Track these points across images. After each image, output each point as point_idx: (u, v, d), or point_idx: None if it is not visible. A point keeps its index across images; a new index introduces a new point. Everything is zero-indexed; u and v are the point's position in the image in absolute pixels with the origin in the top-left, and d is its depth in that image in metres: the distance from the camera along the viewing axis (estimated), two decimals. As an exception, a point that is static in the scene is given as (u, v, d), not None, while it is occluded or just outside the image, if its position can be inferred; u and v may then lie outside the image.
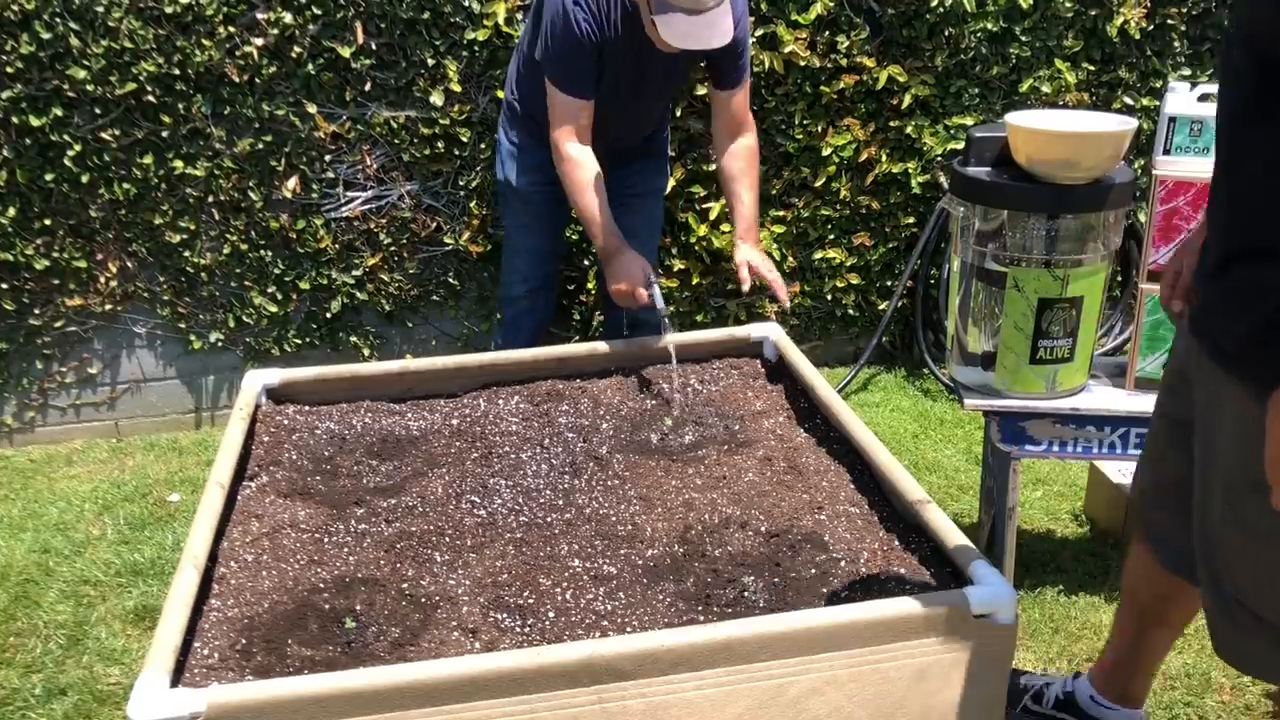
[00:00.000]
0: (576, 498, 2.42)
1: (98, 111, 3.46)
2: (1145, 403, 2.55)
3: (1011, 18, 3.88)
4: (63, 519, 3.39)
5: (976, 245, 2.48)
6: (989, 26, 3.84)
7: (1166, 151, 2.45)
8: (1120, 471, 3.10)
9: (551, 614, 1.99)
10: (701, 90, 3.76)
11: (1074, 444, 2.56)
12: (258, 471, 2.54)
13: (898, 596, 2.00)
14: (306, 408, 2.83)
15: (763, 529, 2.25)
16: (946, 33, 3.84)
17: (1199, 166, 2.44)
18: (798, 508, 2.33)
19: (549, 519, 2.34)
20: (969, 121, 3.97)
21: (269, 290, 3.81)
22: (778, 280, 2.93)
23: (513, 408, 2.86)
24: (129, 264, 3.71)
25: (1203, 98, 2.42)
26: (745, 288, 2.94)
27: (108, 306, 3.75)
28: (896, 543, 2.21)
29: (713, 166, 3.88)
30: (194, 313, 3.83)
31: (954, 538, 2.02)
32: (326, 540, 2.28)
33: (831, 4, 3.71)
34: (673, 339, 2.84)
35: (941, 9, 3.77)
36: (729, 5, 2.72)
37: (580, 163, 2.89)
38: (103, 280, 3.70)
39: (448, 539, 2.28)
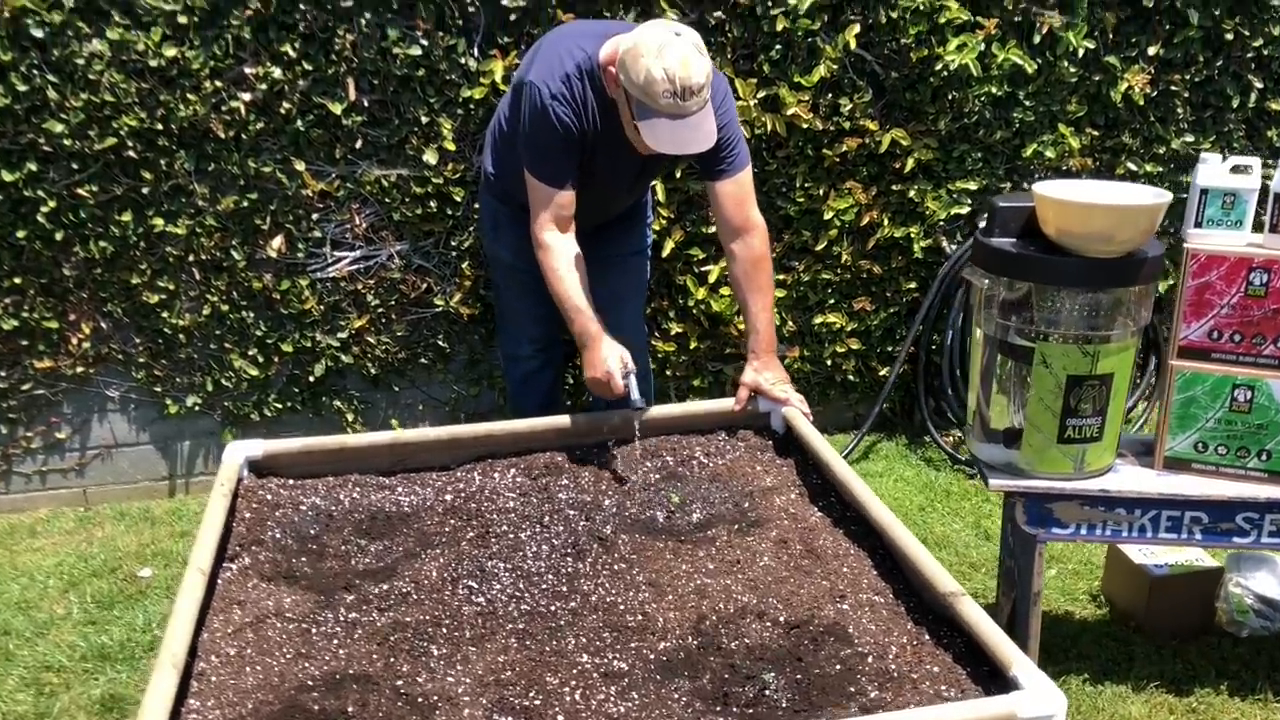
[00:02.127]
0: (581, 583, 2.27)
1: (75, 166, 3.32)
2: (1177, 484, 2.44)
3: (1015, 82, 3.82)
4: (24, 596, 3.18)
5: (1000, 318, 2.36)
6: (993, 91, 3.78)
7: (1198, 224, 2.35)
8: (1143, 552, 2.97)
9: (561, 717, 1.83)
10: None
11: (1102, 527, 2.44)
12: (239, 552, 2.38)
13: (937, 701, 1.86)
14: (291, 481, 2.67)
15: (782, 619, 2.11)
16: (950, 97, 3.78)
17: (1232, 240, 2.35)
18: (818, 596, 2.18)
19: (553, 607, 2.19)
20: (972, 186, 3.90)
21: (250, 353, 3.65)
22: (791, 399, 2.82)
23: (510, 481, 2.71)
24: (103, 325, 3.54)
25: (1235, 169, 2.34)
26: (737, 408, 2.84)
27: (79, 369, 3.57)
28: (927, 636, 2.06)
29: (711, 229, 3.78)
30: (170, 375, 3.66)
31: (994, 636, 1.88)
32: (315, 631, 2.11)
33: (835, 66, 3.63)
34: (638, 427, 2.76)
35: (945, 73, 3.70)
36: (710, 107, 2.64)
37: (558, 251, 2.81)
38: (74, 341, 3.53)
39: (445, 630, 2.11)
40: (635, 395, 2.70)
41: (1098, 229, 2.17)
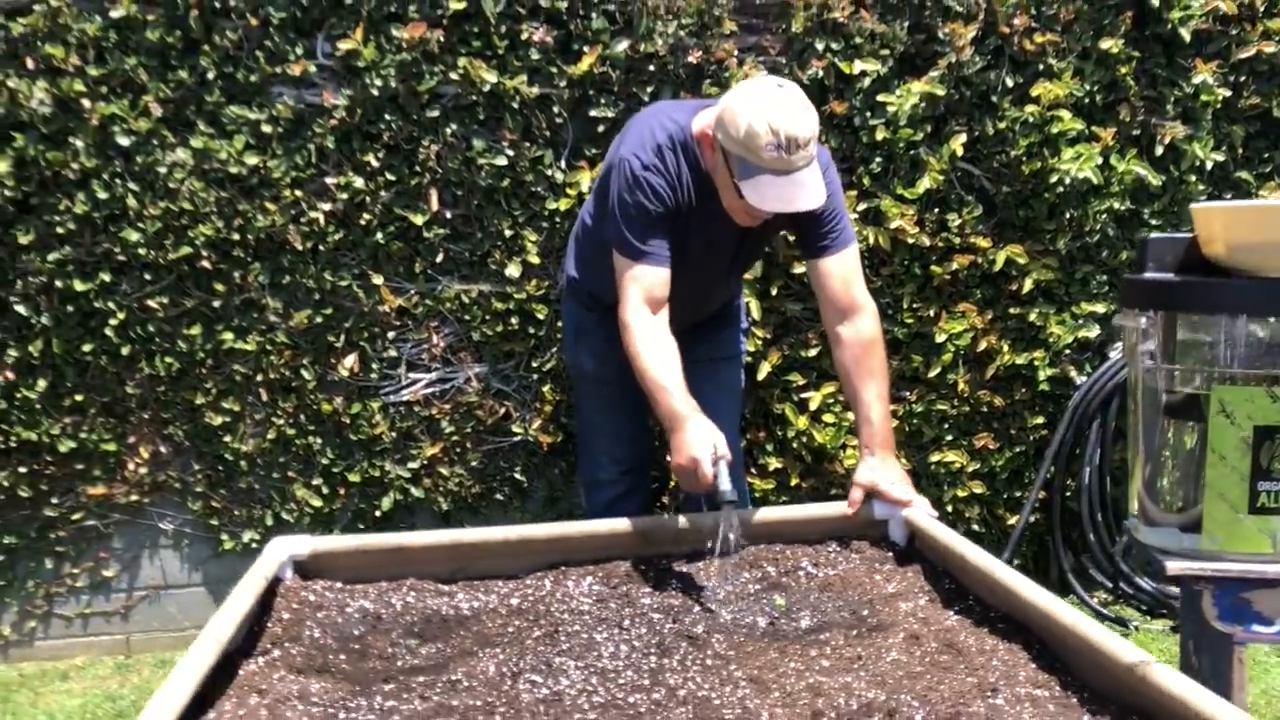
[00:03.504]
0: (666, 677, 1.86)
1: (147, 278, 3.21)
2: None
3: (1139, 199, 3.54)
4: (42, 736, 2.84)
5: (1164, 364, 1.99)
6: (1115, 206, 3.50)
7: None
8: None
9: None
10: (799, 269, 3.42)
11: (1323, 625, 1.95)
12: (269, 648, 2.03)
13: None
14: (339, 584, 2.34)
15: (918, 718, 1.66)
16: (1068, 215, 3.51)
17: None
18: (963, 691, 1.73)
19: (632, 699, 1.78)
20: (1100, 309, 3.56)
21: (314, 482, 3.39)
22: (914, 500, 2.46)
23: (585, 589, 2.33)
24: (162, 449, 3.34)
25: None
26: (851, 511, 2.48)
27: (133, 497, 3.34)
28: (1110, 724, 1.60)
29: (812, 352, 3.48)
30: (229, 507, 3.40)
31: (1201, 699, 1.42)
32: (343, 716, 1.73)
33: (940, 178, 3.42)
34: (734, 530, 2.35)
35: (1062, 187, 3.45)
36: (819, 164, 2.43)
37: (646, 329, 2.51)
38: (131, 466, 3.32)
39: (500, 717, 1.71)
40: (726, 485, 2.31)
41: (1278, 236, 1.83)
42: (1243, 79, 3.53)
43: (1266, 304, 1.88)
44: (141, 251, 3.18)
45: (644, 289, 2.52)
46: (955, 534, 2.27)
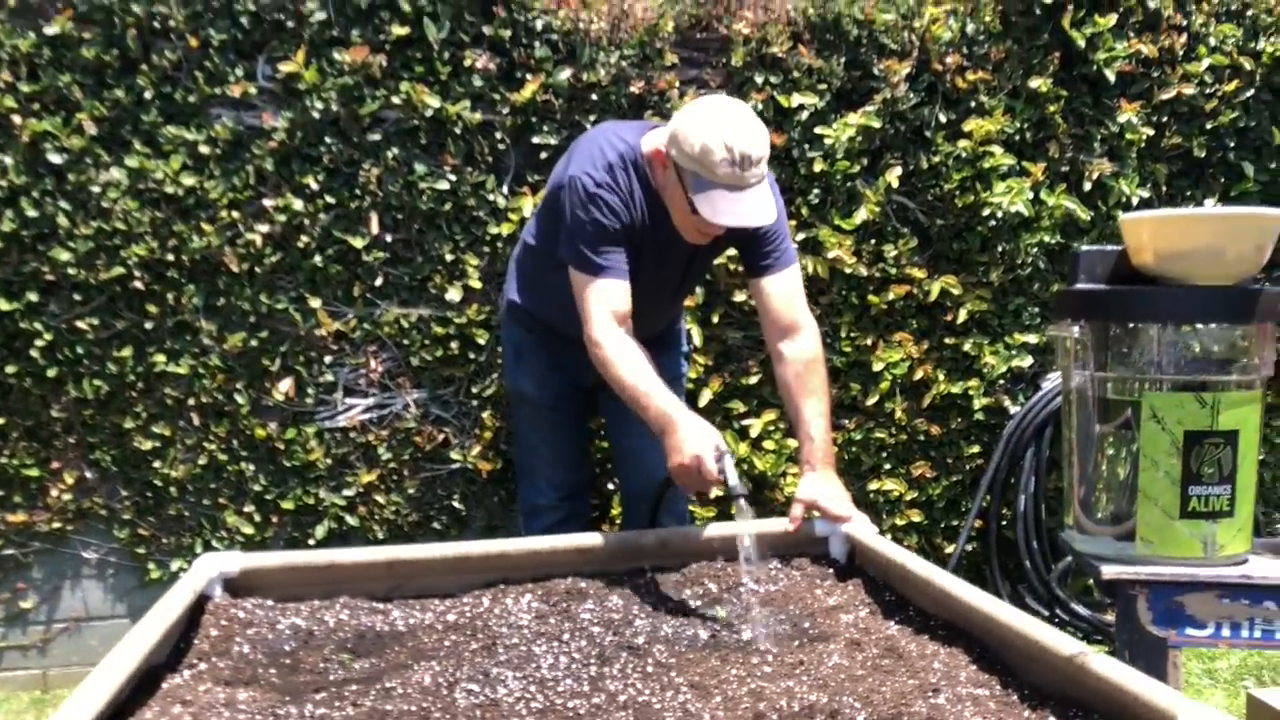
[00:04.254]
0: (607, 684, 1.83)
1: (77, 298, 3.14)
2: (1340, 575, 2.00)
3: (1069, 233, 3.64)
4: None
5: (1096, 372, 2.03)
6: (1046, 239, 3.59)
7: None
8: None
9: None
10: (740, 297, 3.45)
11: (1249, 626, 1.97)
12: (196, 662, 1.96)
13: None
14: (269, 602, 2.28)
15: (860, 718, 1.65)
16: (1001, 248, 3.59)
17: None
18: (904, 693, 1.73)
19: (571, 704, 1.75)
20: (1032, 340, 3.63)
21: (246, 509, 3.31)
22: (855, 516, 2.47)
23: (524, 605, 2.29)
24: (88, 474, 3.24)
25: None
26: (793, 528, 2.46)
27: (56, 524, 3.23)
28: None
29: (753, 379, 3.50)
30: (156, 535, 3.30)
31: (1141, 686, 1.43)
32: (269, 721, 1.67)
33: (877, 210, 3.48)
34: (750, 527, 2.30)
35: (994, 221, 3.53)
36: (770, 183, 2.47)
37: (617, 341, 2.48)
38: (55, 493, 3.21)
39: (433, 721, 1.67)
40: (734, 480, 2.26)
41: (1203, 242, 1.89)
42: (1165, 119, 3.66)
43: (1194, 311, 1.93)
44: (71, 271, 3.11)
45: (608, 304, 2.50)
46: (896, 546, 2.28)
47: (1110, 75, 3.55)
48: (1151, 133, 3.63)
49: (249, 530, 3.31)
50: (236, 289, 3.22)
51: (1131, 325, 1.97)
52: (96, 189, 3.10)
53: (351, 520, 3.38)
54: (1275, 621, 1.99)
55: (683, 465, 2.32)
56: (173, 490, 3.28)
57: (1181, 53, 3.61)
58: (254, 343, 3.25)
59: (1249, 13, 3.64)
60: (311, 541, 3.36)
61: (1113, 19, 3.51)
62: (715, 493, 3.09)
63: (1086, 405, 2.08)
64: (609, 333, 2.49)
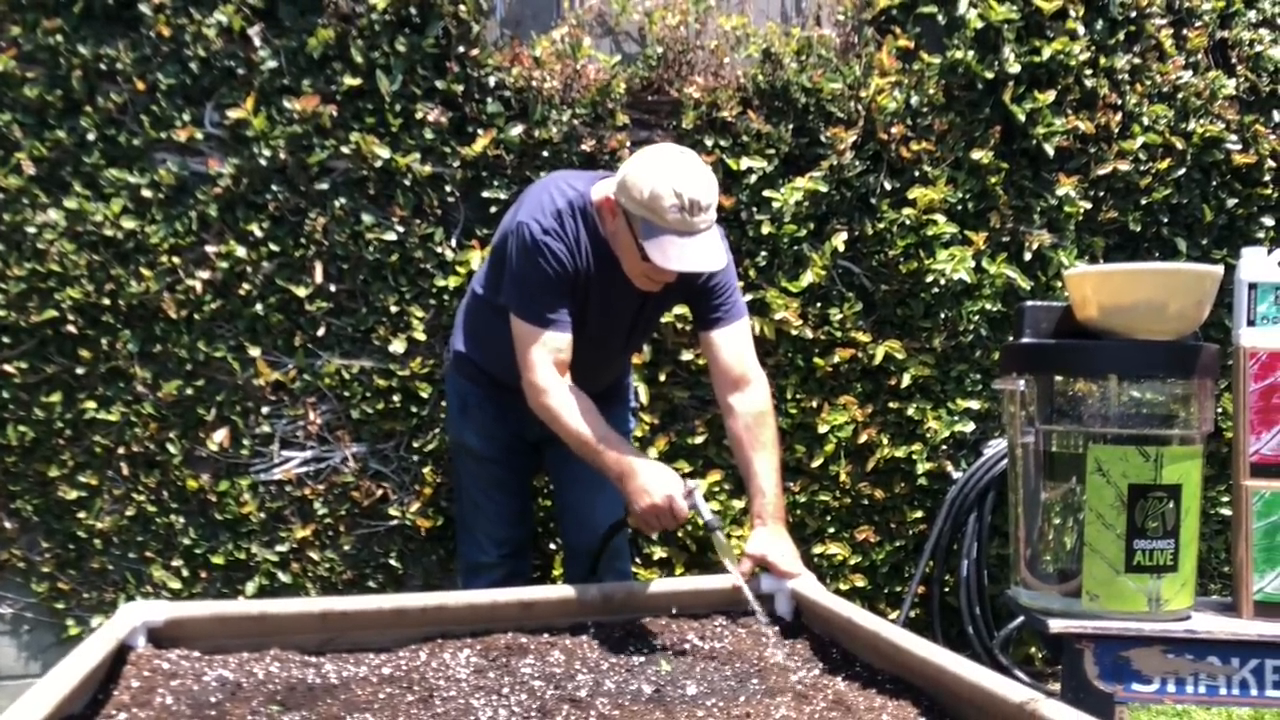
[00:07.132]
0: (548, 735, 1.77)
1: (5, 340, 3.04)
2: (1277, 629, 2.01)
3: (1009, 301, 3.70)
4: None
5: (1042, 425, 2.04)
6: (987, 307, 3.65)
7: (1251, 323, 2.11)
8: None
9: None
10: (687, 356, 3.45)
11: (1194, 681, 1.97)
12: (114, 714, 1.87)
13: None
14: (196, 654, 2.18)
15: (809, 772, 1.61)
16: (943, 314, 3.64)
17: (1293, 337, 2.10)
18: (854, 746, 1.70)
19: (510, 754, 1.69)
20: (974, 405, 3.66)
21: (174, 564, 3.19)
22: (801, 574, 2.46)
23: (462, 660, 2.23)
24: (7, 524, 3.11)
25: (1284, 263, 2.13)
26: (736, 582, 2.43)
27: (-31, 578, 3.10)
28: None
29: (698, 439, 3.48)
30: (77, 589, 3.16)
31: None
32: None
33: (823, 274, 3.51)
34: (732, 556, 2.42)
35: (937, 287, 3.59)
36: (719, 232, 2.50)
37: (561, 390, 2.49)
38: (-30, 544, 3.09)
39: (363, 772, 1.60)
40: (708, 515, 2.26)
41: (1146, 296, 1.92)
42: (1102, 194, 3.76)
43: (1137, 364, 1.96)
44: (1, 313, 3.01)
45: (551, 353, 2.49)
46: (843, 601, 2.26)
47: (1049, 150, 3.65)
48: (1089, 206, 3.73)
49: (176, 585, 3.19)
50: (174, 335, 3.14)
51: (1075, 379, 1.99)
52: (32, 229, 3.02)
53: (284, 576, 3.27)
54: (1219, 677, 1.99)
55: (654, 505, 2.33)
56: (97, 542, 3.16)
57: (1117, 130, 3.73)
58: (190, 391, 3.16)
59: (1179, 95, 3.78)
60: (242, 598, 3.24)
61: (1051, 95, 3.62)
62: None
63: (1032, 460, 2.09)
64: (552, 380, 2.48)
